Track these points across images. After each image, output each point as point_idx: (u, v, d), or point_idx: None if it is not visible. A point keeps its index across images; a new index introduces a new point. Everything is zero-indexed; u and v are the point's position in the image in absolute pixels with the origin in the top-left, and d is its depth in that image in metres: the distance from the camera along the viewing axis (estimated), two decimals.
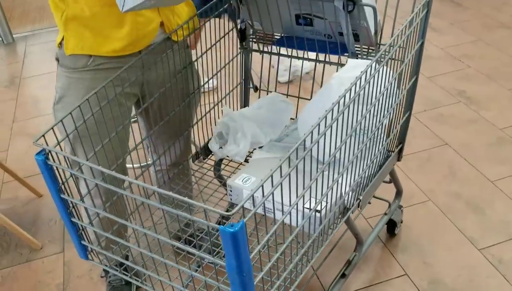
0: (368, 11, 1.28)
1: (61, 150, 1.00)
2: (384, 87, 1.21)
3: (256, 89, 1.74)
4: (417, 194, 2.04)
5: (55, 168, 0.99)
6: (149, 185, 0.81)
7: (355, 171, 1.25)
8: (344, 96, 1.06)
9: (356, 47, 1.41)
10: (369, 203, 1.45)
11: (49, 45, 3.90)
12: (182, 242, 1.52)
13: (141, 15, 1.24)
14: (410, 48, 1.33)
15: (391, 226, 1.81)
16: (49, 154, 0.98)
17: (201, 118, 1.61)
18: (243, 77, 1.72)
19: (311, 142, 0.97)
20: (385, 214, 1.72)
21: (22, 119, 2.95)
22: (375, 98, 1.18)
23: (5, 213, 2.02)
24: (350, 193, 1.27)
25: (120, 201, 1.38)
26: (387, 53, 1.20)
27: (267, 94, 1.64)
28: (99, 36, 1.23)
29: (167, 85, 1.41)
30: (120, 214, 1.45)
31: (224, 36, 1.56)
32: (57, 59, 1.31)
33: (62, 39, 1.26)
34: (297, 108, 1.72)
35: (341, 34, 1.41)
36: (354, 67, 1.23)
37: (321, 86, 1.45)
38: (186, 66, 1.46)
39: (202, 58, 1.53)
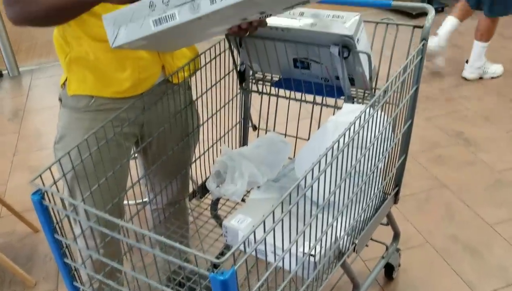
0: (363, 58, 1.31)
1: (58, 191, 1.01)
2: (379, 131, 1.23)
3: (254, 128, 1.77)
4: (415, 236, 2.03)
5: (50, 208, 1.00)
6: (140, 229, 0.82)
7: (351, 214, 1.26)
8: (338, 141, 1.07)
9: (352, 90, 1.44)
10: (366, 245, 1.44)
11: (54, 79, 3.96)
12: (174, 285, 1.51)
13: (143, 59, 1.27)
14: (405, 93, 1.35)
15: (389, 270, 1.79)
16: (45, 193, 0.99)
17: (199, 157, 1.63)
18: (242, 117, 1.75)
19: (305, 187, 0.98)
20: (383, 257, 1.71)
21: (24, 153, 2.97)
22: (370, 142, 1.19)
23: (1, 247, 2.01)
24: (346, 237, 1.27)
25: (114, 241, 1.38)
26: (381, 98, 1.22)
27: (266, 133, 1.66)
28: (101, 79, 1.26)
29: (166, 125, 1.44)
30: (114, 253, 1.44)
31: (224, 77, 1.60)
32: (60, 99, 1.34)
33: (66, 80, 1.29)
34: (295, 148, 1.74)
35: (337, 78, 1.44)
36: (350, 111, 1.25)
37: (318, 126, 1.47)
38: (186, 106, 1.49)
39: (202, 97, 1.56)
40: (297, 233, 0.99)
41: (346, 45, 1.30)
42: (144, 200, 1.71)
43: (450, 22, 3.41)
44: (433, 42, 3.35)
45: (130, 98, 1.30)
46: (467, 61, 3.38)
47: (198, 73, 1.50)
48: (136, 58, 1.26)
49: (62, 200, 1.01)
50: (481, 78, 3.37)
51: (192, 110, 1.53)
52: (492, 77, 3.37)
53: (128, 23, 1.03)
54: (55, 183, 1.04)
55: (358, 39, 1.30)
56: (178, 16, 0.99)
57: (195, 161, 1.62)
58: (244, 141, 1.78)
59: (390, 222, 1.67)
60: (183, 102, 1.47)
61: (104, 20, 1.05)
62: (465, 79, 3.37)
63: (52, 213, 1.01)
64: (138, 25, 1.02)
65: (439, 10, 4.62)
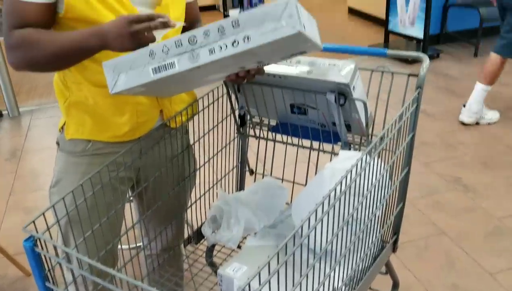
0: (359, 105, 1.32)
1: (51, 236, 0.99)
2: (376, 179, 1.22)
3: (251, 172, 1.76)
4: (415, 285, 1.99)
5: (42, 255, 0.98)
6: (133, 280, 0.80)
7: (349, 263, 1.23)
8: (335, 188, 1.07)
9: (348, 136, 1.44)
10: None
11: (54, 120, 3.99)
12: None
13: (141, 105, 1.28)
14: (401, 140, 1.36)
15: None
16: (38, 240, 0.98)
17: (195, 202, 1.61)
18: (239, 161, 1.74)
19: (302, 235, 0.97)
20: None
21: (19, 193, 2.95)
22: (367, 190, 1.18)
23: None
24: (344, 288, 1.24)
25: (107, 289, 1.35)
26: (378, 145, 1.23)
27: (263, 177, 1.65)
28: (99, 123, 1.27)
29: (163, 169, 1.43)
30: None
31: (221, 122, 1.60)
32: (58, 143, 1.34)
33: (64, 124, 1.30)
34: (292, 193, 1.73)
35: (334, 123, 1.44)
36: (347, 158, 1.25)
37: (315, 171, 1.47)
38: (183, 151, 1.49)
39: (199, 141, 1.56)
40: (293, 284, 0.97)
41: (342, 93, 1.31)
42: (138, 244, 1.69)
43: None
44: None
45: (127, 143, 1.30)
46: (464, 105, 3.40)
47: (195, 117, 1.51)
48: (134, 103, 1.27)
49: (55, 247, 0.99)
50: (477, 123, 3.39)
51: (189, 154, 1.53)
52: (489, 123, 3.39)
53: (128, 70, 1.05)
54: (48, 229, 1.03)
55: (354, 87, 1.32)
56: (178, 65, 1.01)
57: (191, 205, 1.60)
58: (241, 186, 1.77)
59: (389, 270, 1.64)
60: (180, 147, 1.47)
61: (104, 67, 1.06)
62: (462, 123, 3.40)
63: (44, 260, 0.99)
64: (138, 73, 1.04)
65: (435, 57, 4.71)
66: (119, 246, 1.44)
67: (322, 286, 1.13)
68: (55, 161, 1.36)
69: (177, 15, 1.29)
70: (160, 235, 1.53)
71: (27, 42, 1.11)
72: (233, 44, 0.97)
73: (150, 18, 1.05)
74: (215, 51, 0.98)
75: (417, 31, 4.70)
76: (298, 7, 0.95)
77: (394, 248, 1.54)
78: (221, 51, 0.97)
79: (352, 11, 6.74)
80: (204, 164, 1.62)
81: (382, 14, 5.36)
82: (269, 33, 0.94)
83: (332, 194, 1.05)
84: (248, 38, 0.96)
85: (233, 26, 0.97)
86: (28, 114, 4.18)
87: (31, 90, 4.72)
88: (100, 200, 1.26)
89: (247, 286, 0.79)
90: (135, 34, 1.04)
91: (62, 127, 1.32)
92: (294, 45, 1.03)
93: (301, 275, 0.99)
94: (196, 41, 1.00)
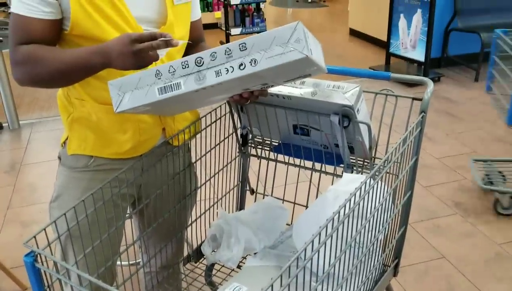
0: (363, 128, 1.32)
1: (51, 252, 0.98)
2: (379, 202, 1.22)
3: (252, 192, 1.75)
4: None
5: (42, 271, 0.97)
6: None
7: (350, 287, 1.22)
8: (339, 212, 1.06)
9: (351, 158, 1.44)
10: None
11: (54, 133, 3.99)
12: None
13: (144, 122, 1.28)
14: (405, 164, 1.35)
15: None
16: (38, 255, 0.97)
17: (195, 220, 1.60)
18: (240, 180, 1.74)
19: (304, 259, 0.96)
20: None
21: (17, 206, 2.93)
22: (371, 213, 1.18)
23: None
24: None
25: None
26: (381, 169, 1.22)
27: (263, 197, 1.64)
28: (102, 139, 1.26)
29: (164, 187, 1.42)
30: None
31: (223, 140, 1.60)
32: (59, 158, 1.33)
33: (66, 139, 1.29)
34: (292, 213, 1.72)
35: (337, 145, 1.44)
36: (350, 181, 1.25)
37: (316, 193, 1.46)
38: (185, 169, 1.49)
39: (200, 160, 1.56)
40: None
41: (346, 115, 1.32)
42: (138, 260, 1.67)
43: None
44: None
45: (129, 160, 1.30)
46: None
47: (197, 135, 1.51)
48: (137, 120, 1.27)
49: (55, 263, 0.98)
50: None
51: (191, 172, 1.53)
52: None
53: (133, 89, 1.05)
54: (49, 244, 1.02)
55: (358, 109, 1.32)
56: (184, 85, 1.01)
57: (191, 223, 1.59)
58: (241, 205, 1.76)
59: None
60: (182, 165, 1.47)
61: (109, 86, 1.07)
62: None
63: (44, 276, 0.98)
64: (143, 92, 1.04)
65: (436, 80, 4.74)
66: (118, 262, 1.43)
67: None
68: (56, 175, 1.35)
69: (182, 34, 1.30)
70: (160, 252, 1.52)
71: (32, 58, 1.12)
72: (239, 67, 0.97)
73: (153, 37, 1.05)
74: (221, 74, 0.98)
75: (419, 54, 4.74)
76: (306, 32, 0.96)
77: (395, 272, 1.52)
78: (228, 74, 0.97)
79: (353, 32, 6.81)
80: (205, 183, 1.62)
81: (383, 36, 5.41)
82: (276, 57, 0.95)
83: (336, 217, 1.05)
84: (255, 62, 0.96)
85: (240, 49, 0.97)
86: (28, 127, 4.17)
87: (32, 103, 4.72)
88: (101, 216, 1.26)
89: None
90: (138, 53, 1.04)
91: (64, 142, 1.32)
92: (300, 69, 1.04)
93: None
94: (203, 63, 1.00)
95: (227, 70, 0.98)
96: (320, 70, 1.09)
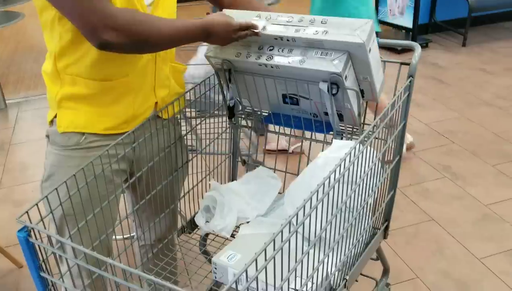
0: (352, 94, 1.33)
1: (45, 228, 0.99)
2: (369, 167, 1.24)
3: (244, 163, 1.76)
4: (405, 271, 2.02)
5: (36, 246, 0.98)
6: (128, 267, 0.80)
7: (341, 250, 1.25)
8: (329, 177, 1.08)
9: (340, 126, 1.45)
10: (356, 280, 1.43)
11: (41, 112, 3.95)
12: None
13: (139, 96, 1.28)
14: (393, 129, 1.37)
15: None
16: (32, 230, 0.97)
17: (188, 192, 1.61)
18: (231, 151, 1.75)
19: (297, 223, 0.98)
20: None
21: (8, 186, 2.93)
22: (360, 178, 1.20)
23: None
24: (337, 273, 1.26)
25: (101, 279, 1.35)
26: (370, 134, 1.24)
27: (255, 167, 1.66)
28: (93, 114, 1.25)
29: (156, 159, 1.43)
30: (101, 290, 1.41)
31: (213, 112, 1.61)
32: (47, 137, 1.31)
33: (55, 116, 1.27)
34: (284, 183, 1.74)
35: (326, 113, 1.45)
36: (340, 147, 1.26)
37: (307, 161, 1.48)
38: (175, 142, 1.49)
39: (191, 132, 1.56)
40: (288, 270, 0.98)
41: (335, 82, 1.32)
42: (132, 234, 1.69)
43: None
44: None
45: (120, 135, 1.30)
46: None
47: (187, 108, 1.51)
48: (133, 94, 1.26)
49: (49, 237, 0.99)
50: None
51: (182, 145, 1.53)
52: None
53: None
54: (42, 219, 1.02)
55: (346, 76, 1.32)
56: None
57: (183, 196, 1.61)
58: (233, 176, 1.77)
59: (380, 257, 1.66)
60: (172, 138, 1.47)
61: None
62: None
63: (38, 250, 0.99)
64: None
65: (424, 46, 4.74)
66: (113, 237, 1.44)
67: (316, 272, 1.14)
68: (45, 155, 1.33)
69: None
70: (154, 226, 1.53)
71: (142, 22, 1.11)
72: (314, 33, 1.25)
73: (249, 26, 1.26)
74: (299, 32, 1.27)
75: (406, 21, 4.72)
76: (373, 31, 1.21)
77: (385, 235, 1.56)
78: (304, 31, 1.26)
79: None
80: (196, 155, 1.63)
81: None
82: (342, 34, 1.21)
83: (326, 182, 1.06)
84: (326, 32, 1.24)
85: (322, 22, 1.26)
86: (15, 106, 4.13)
87: (17, 82, 4.66)
88: (95, 193, 1.25)
89: (244, 273, 0.80)
90: (236, 38, 1.26)
91: (52, 121, 1.29)
92: (358, 62, 1.26)
93: (295, 262, 1.00)
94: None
95: (304, 29, 1.27)
96: (371, 86, 1.31)
